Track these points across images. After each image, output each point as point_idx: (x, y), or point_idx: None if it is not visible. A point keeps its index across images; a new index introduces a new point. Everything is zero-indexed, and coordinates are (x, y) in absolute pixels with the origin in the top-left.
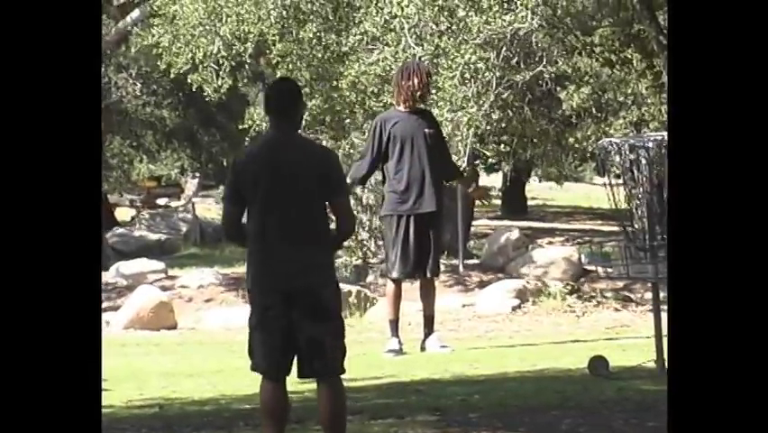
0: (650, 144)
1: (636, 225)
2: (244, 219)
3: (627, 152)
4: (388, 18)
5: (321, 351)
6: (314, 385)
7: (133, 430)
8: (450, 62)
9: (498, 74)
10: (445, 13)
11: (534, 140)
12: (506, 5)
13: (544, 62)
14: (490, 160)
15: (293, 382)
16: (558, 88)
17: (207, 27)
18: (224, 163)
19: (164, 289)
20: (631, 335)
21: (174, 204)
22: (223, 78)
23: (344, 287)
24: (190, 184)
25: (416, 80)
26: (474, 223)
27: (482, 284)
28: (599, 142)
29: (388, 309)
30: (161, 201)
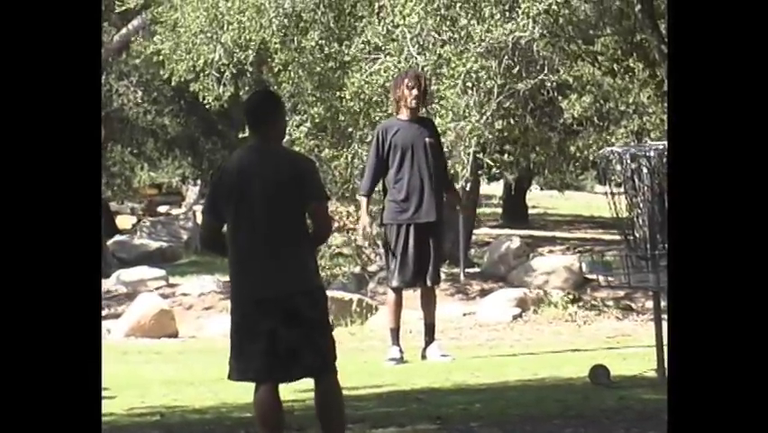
0: (651, 153)
1: (638, 234)
2: (224, 230)
3: (629, 161)
4: (390, 28)
5: (306, 351)
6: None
7: None
8: (451, 71)
9: (499, 82)
10: (447, 22)
11: (536, 148)
12: (507, 14)
13: (546, 71)
14: (493, 170)
15: (294, 390)
16: (560, 97)
17: (209, 35)
18: None
19: (165, 296)
20: (632, 344)
21: (175, 212)
22: (224, 86)
23: (345, 295)
24: (191, 192)
25: (414, 89)
26: (475, 231)
27: (483, 293)
28: (601, 150)
29: (388, 318)
30: (162, 209)
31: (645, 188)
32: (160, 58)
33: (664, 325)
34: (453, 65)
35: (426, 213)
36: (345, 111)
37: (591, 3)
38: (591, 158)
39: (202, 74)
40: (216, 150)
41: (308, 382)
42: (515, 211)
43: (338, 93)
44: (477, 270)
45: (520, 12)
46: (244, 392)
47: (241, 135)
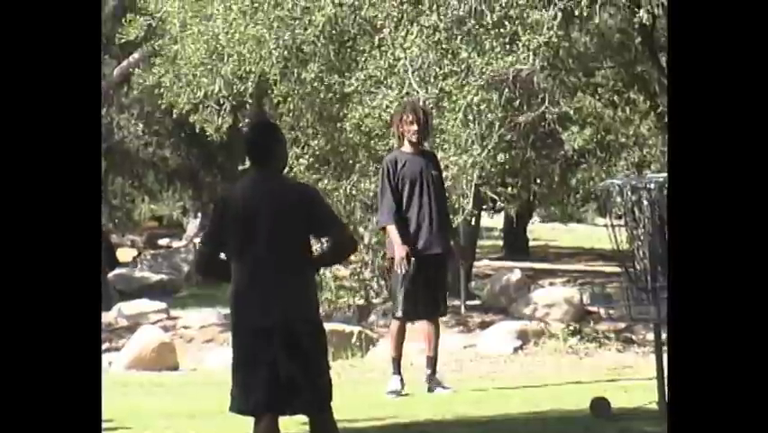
0: (652, 185)
1: (638, 267)
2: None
3: (629, 193)
4: (391, 61)
5: (301, 389)
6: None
7: None
8: (452, 104)
9: (500, 115)
10: (449, 55)
11: (538, 180)
12: (507, 47)
13: (547, 103)
14: (498, 204)
15: (295, 422)
16: (560, 129)
17: (209, 66)
18: None
19: (166, 329)
20: (633, 376)
21: (175, 244)
22: (223, 118)
23: (346, 328)
24: (192, 224)
25: (414, 123)
26: (476, 263)
27: (484, 325)
28: (601, 183)
29: (391, 346)
30: (163, 241)
31: (646, 220)
32: (161, 90)
33: (665, 357)
34: (454, 98)
35: (434, 245)
36: (345, 143)
37: (591, 35)
38: (592, 190)
39: (201, 105)
40: (217, 182)
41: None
42: (516, 243)
43: (338, 125)
44: (478, 302)
45: (520, 44)
46: (245, 425)
47: (241, 167)
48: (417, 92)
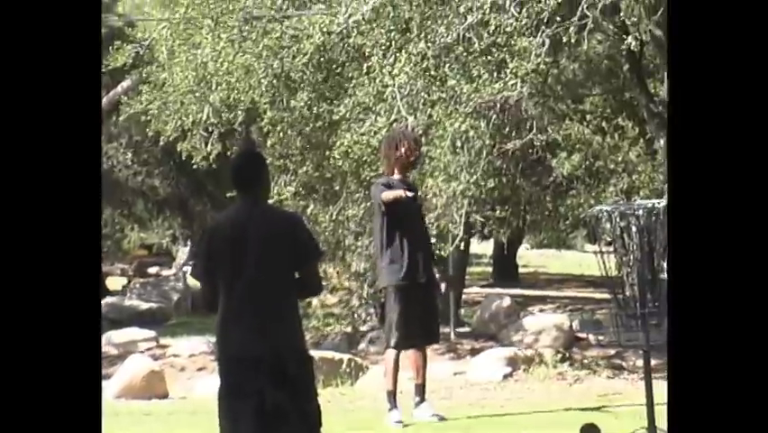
0: (640, 212)
1: (627, 293)
2: None
3: (618, 220)
4: (380, 88)
5: (289, 417)
6: None
7: None
8: (441, 131)
9: (489, 142)
10: (437, 83)
11: (527, 207)
12: (495, 74)
13: (535, 130)
14: (486, 230)
15: None
16: (549, 156)
17: (197, 94)
18: None
19: (155, 357)
20: (623, 402)
21: (165, 272)
22: (212, 145)
23: (335, 355)
24: (181, 252)
25: (403, 148)
26: (465, 290)
27: (474, 352)
28: (590, 209)
29: (387, 379)
30: (152, 270)
31: (635, 246)
32: (148, 117)
33: (655, 383)
34: (443, 125)
35: (425, 273)
36: (334, 170)
37: (579, 62)
38: (581, 216)
39: (190, 133)
40: (206, 210)
41: None
42: (505, 270)
43: (327, 153)
44: (467, 329)
45: (508, 71)
46: None
47: (229, 195)
48: (406, 119)
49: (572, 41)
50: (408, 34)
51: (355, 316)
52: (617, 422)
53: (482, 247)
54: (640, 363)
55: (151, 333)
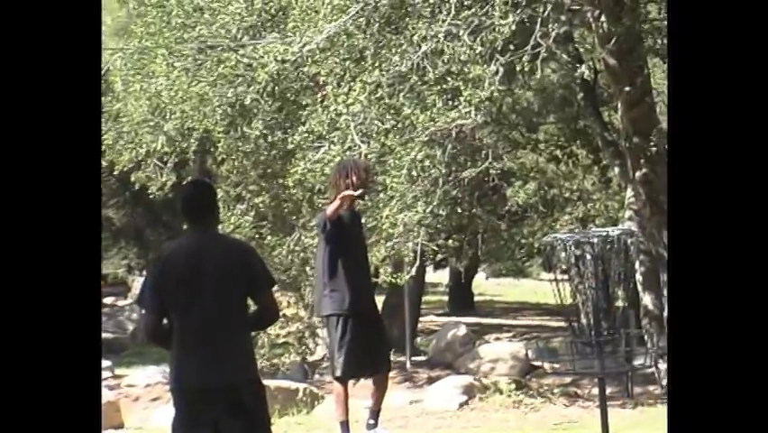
0: (595, 240)
1: (583, 321)
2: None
3: (573, 248)
4: (333, 116)
5: None
6: None
7: None
8: (397, 160)
9: (444, 171)
10: (391, 111)
11: (483, 236)
12: (450, 102)
13: (490, 159)
14: (439, 256)
15: None
16: (504, 184)
17: (151, 123)
18: None
19: (111, 388)
20: (579, 430)
21: (120, 303)
22: (167, 175)
23: (291, 385)
24: (137, 282)
25: (354, 178)
26: (421, 319)
27: (430, 380)
28: (545, 237)
29: (337, 411)
30: (108, 300)
31: (590, 274)
32: (102, 148)
33: (610, 411)
34: (398, 154)
35: (366, 301)
36: (288, 199)
37: (533, 90)
38: (537, 245)
39: (144, 163)
40: (162, 240)
41: None
42: (461, 298)
43: (281, 181)
44: (423, 358)
45: (463, 99)
46: None
47: (185, 226)
48: (360, 147)
49: (526, 69)
50: (363, 63)
51: (306, 346)
52: None
53: (438, 276)
54: (595, 391)
55: (107, 363)
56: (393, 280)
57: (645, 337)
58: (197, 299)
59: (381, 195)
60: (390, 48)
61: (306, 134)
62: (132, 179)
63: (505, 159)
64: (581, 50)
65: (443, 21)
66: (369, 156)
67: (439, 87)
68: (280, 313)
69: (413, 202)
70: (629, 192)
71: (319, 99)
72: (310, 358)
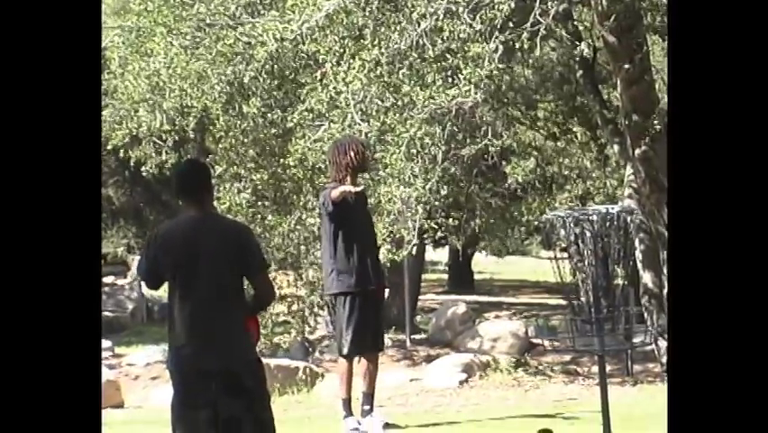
0: (594, 217)
1: (582, 299)
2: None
3: (572, 226)
4: (333, 95)
5: (247, 425)
6: None
7: None
8: (396, 138)
9: (443, 148)
10: (390, 89)
11: (482, 213)
12: (450, 80)
13: (489, 136)
14: (438, 234)
15: None
16: (503, 162)
17: (150, 102)
18: None
19: (111, 367)
20: (578, 408)
21: (120, 282)
22: (166, 153)
23: (291, 363)
24: (136, 262)
25: (352, 154)
26: (421, 297)
27: (429, 359)
28: (544, 215)
29: (341, 388)
30: (108, 279)
31: (589, 252)
32: None
33: (609, 388)
34: (397, 132)
35: (373, 279)
36: (288, 178)
37: (532, 68)
38: (536, 222)
39: (143, 141)
40: (161, 219)
41: None
42: (460, 277)
43: (281, 160)
44: (423, 336)
45: (462, 77)
46: None
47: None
48: (360, 125)
49: (525, 47)
50: (362, 41)
51: (307, 324)
52: (573, 428)
53: (438, 254)
54: (595, 368)
55: (107, 342)
56: (393, 258)
57: (645, 315)
58: (192, 280)
59: (381, 172)
60: (389, 25)
61: (306, 113)
62: (129, 156)
63: (504, 136)
64: (581, 27)
65: None
66: (369, 135)
67: (438, 65)
68: (276, 294)
69: (411, 180)
70: (628, 170)
71: (318, 78)
72: (311, 337)
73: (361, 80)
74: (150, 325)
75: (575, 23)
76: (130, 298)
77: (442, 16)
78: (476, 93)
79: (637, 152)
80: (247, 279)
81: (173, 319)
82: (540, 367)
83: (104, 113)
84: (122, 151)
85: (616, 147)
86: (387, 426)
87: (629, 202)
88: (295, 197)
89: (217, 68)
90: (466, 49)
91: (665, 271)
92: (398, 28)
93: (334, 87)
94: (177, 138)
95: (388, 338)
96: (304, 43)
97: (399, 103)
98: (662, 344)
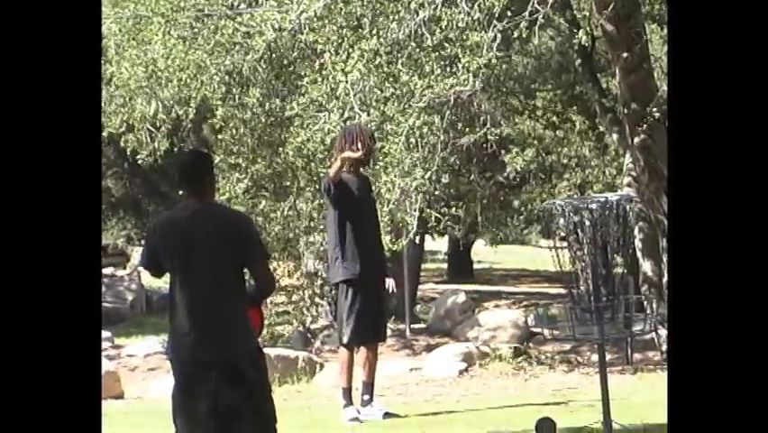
0: (593, 206)
1: (582, 287)
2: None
3: (571, 214)
4: (332, 85)
5: (248, 414)
6: None
7: None
8: (395, 127)
9: (442, 138)
10: (390, 79)
11: (481, 202)
12: (448, 69)
13: (488, 125)
14: (436, 222)
15: None
16: (502, 151)
17: (146, 90)
18: None
19: (110, 358)
20: (578, 396)
21: (119, 273)
22: (160, 141)
23: (291, 353)
24: (136, 253)
25: (359, 144)
26: (420, 287)
27: (429, 348)
28: (543, 204)
29: (342, 377)
30: (107, 270)
31: (588, 240)
32: None
33: (609, 377)
34: (397, 121)
35: (376, 268)
36: (286, 167)
37: (531, 57)
38: (535, 211)
39: (136, 128)
40: (159, 211)
41: None
42: (460, 266)
43: (279, 149)
44: (423, 325)
45: (460, 66)
46: None
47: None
48: (359, 115)
49: (523, 36)
50: (360, 31)
51: (306, 314)
52: (573, 416)
53: (437, 244)
54: (595, 357)
55: (106, 333)
56: (392, 247)
57: (645, 303)
58: (192, 270)
59: (380, 162)
60: (388, 15)
61: (306, 104)
62: (123, 141)
63: (503, 125)
64: (579, 16)
65: None
66: (369, 124)
67: (437, 54)
68: (276, 284)
69: (411, 169)
70: (627, 158)
71: (317, 68)
72: (312, 327)
73: (360, 70)
74: (150, 315)
75: (573, 11)
76: (129, 288)
77: (440, 5)
78: (474, 82)
79: (636, 140)
80: (247, 268)
81: (173, 309)
82: (540, 356)
83: None
84: (119, 139)
85: (615, 136)
86: (386, 415)
87: (628, 191)
88: (293, 187)
89: (216, 58)
90: (464, 38)
91: (665, 259)
92: (397, 17)
93: (333, 78)
94: (170, 126)
95: (387, 328)
96: (302, 33)
97: (398, 92)
98: (662, 332)
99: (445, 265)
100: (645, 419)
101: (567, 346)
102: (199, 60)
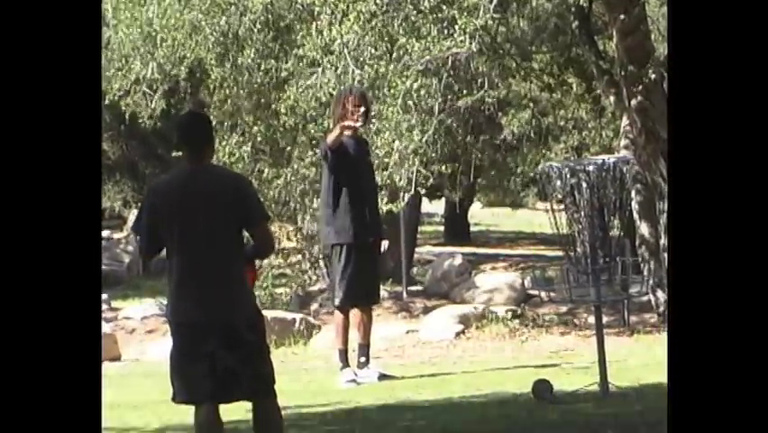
0: (590, 168)
1: (578, 250)
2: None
3: (568, 177)
4: (327, 42)
5: (245, 375)
6: None
7: None
8: (392, 89)
9: (439, 100)
10: (385, 39)
11: (479, 165)
12: (445, 31)
13: (485, 87)
14: (431, 181)
15: (241, 408)
16: (500, 114)
17: (142, 51)
18: None
19: (107, 320)
20: (575, 359)
21: (116, 236)
22: (157, 102)
23: (288, 315)
24: (132, 215)
25: (362, 107)
26: (417, 249)
27: (426, 310)
28: (540, 166)
29: (337, 339)
30: (104, 233)
31: (585, 203)
32: None
33: (606, 339)
34: (394, 83)
35: (372, 231)
36: (282, 127)
37: (528, 19)
38: (532, 174)
39: (133, 90)
40: (156, 174)
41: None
42: (457, 229)
43: (272, 106)
44: (419, 288)
45: (457, 28)
46: (188, 414)
47: (174, 153)
48: (354, 72)
49: None
50: None
51: (305, 277)
52: (570, 378)
53: (434, 206)
54: (591, 319)
55: (103, 296)
56: (389, 209)
57: (641, 266)
58: (191, 232)
59: (377, 124)
60: None
61: (300, 59)
62: (122, 105)
63: (500, 86)
64: None
65: None
66: (362, 82)
67: (434, 16)
68: (276, 245)
69: (408, 131)
70: (624, 121)
71: (314, 28)
72: (310, 289)
73: (357, 32)
74: (147, 278)
75: None
76: (126, 251)
77: None
78: (471, 44)
79: (633, 102)
80: (246, 230)
81: (172, 271)
82: (536, 318)
83: None
84: (117, 103)
85: (611, 98)
86: (383, 377)
87: (625, 153)
88: (290, 148)
89: (211, 18)
90: None
91: (661, 221)
92: None
93: (329, 37)
94: (167, 87)
95: (384, 290)
96: None
97: (395, 55)
98: (659, 294)
99: (442, 228)
100: (642, 381)
101: (564, 309)
102: (194, 21)
